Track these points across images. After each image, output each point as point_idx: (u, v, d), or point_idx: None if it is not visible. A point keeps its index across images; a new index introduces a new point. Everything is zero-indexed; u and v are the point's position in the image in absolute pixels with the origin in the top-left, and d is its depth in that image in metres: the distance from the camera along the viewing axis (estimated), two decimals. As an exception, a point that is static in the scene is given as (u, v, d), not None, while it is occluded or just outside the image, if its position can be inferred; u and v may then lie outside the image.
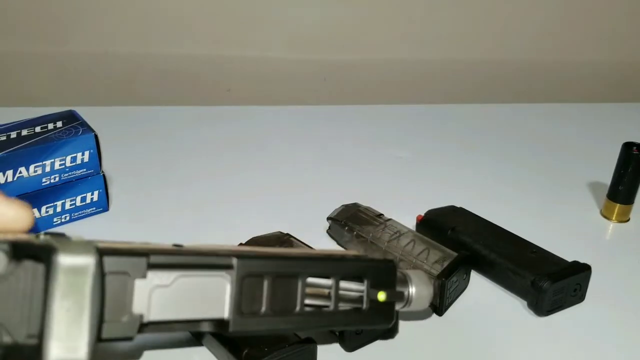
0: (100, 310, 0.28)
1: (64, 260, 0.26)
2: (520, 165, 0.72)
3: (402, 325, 0.46)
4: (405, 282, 0.40)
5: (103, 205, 0.59)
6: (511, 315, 0.49)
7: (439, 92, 0.96)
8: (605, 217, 0.62)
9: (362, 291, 0.36)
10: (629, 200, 0.60)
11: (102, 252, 0.28)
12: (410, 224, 0.56)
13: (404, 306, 0.41)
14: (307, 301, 0.35)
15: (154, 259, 0.30)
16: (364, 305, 0.36)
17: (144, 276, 0.29)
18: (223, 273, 0.32)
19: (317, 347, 0.41)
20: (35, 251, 0.27)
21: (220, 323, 0.32)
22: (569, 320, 0.48)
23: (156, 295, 0.30)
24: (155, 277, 0.30)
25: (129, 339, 0.29)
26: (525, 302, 0.49)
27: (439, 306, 0.47)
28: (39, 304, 0.26)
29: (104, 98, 0.90)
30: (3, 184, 0.52)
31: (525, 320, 0.48)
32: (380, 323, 0.38)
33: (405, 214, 0.56)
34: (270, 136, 0.77)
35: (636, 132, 0.79)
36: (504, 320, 0.48)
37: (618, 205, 0.61)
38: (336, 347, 0.44)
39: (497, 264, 0.51)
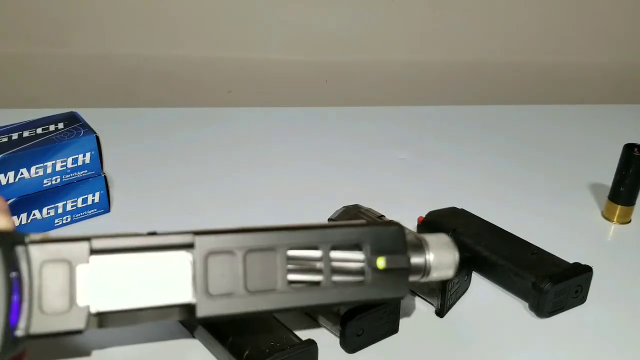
0: (35, 295, 0.25)
1: None
2: (521, 167, 0.72)
3: (403, 326, 0.46)
4: (421, 247, 0.35)
5: (104, 206, 0.59)
6: (512, 317, 0.48)
7: (440, 93, 0.96)
8: (606, 218, 0.62)
9: (362, 260, 0.32)
10: (630, 202, 0.60)
11: (33, 241, 0.26)
12: (412, 225, 0.56)
13: (422, 276, 0.35)
14: (294, 277, 0.31)
15: (96, 243, 0.27)
16: (366, 276, 0.32)
17: (85, 261, 0.27)
18: (182, 253, 0.29)
19: (318, 349, 0.41)
20: None
21: (187, 309, 0.29)
22: (570, 321, 0.48)
23: (104, 283, 0.27)
24: (100, 263, 0.27)
25: (78, 332, 0.27)
26: (526, 304, 0.49)
27: (440, 308, 0.47)
28: None
29: (106, 100, 0.90)
30: (4, 185, 0.52)
31: (526, 321, 0.48)
32: (390, 295, 0.33)
33: (406, 216, 0.56)
34: (271, 138, 0.77)
35: (637, 134, 0.79)
36: (505, 322, 0.48)
37: (619, 206, 0.60)
38: (337, 348, 0.44)
39: (498, 265, 0.51)
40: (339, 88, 0.94)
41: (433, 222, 0.55)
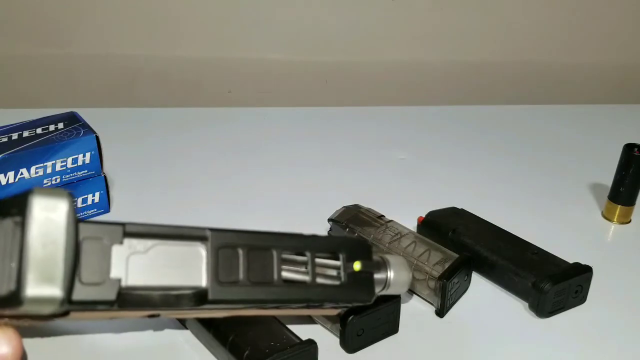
0: (77, 267, 0.29)
1: (39, 199, 0.27)
2: (521, 167, 0.72)
3: (403, 326, 0.46)
4: (384, 265, 0.41)
5: (104, 206, 0.59)
6: (512, 317, 0.49)
7: (440, 93, 0.96)
8: (606, 218, 0.62)
9: (339, 267, 0.38)
10: (630, 202, 0.60)
11: (80, 220, 0.29)
12: (412, 225, 0.56)
13: (382, 289, 0.41)
14: (285, 274, 0.36)
15: (129, 227, 0.31)
16: (342, 279, 0.37)
17: (120, 242, 0.31)
18: (198, 244, 0.33)
19: (318, 349, 0.41)
20: (13, 203, 0.28)
21: (199, 293, 0.33)
22: (570, 322, 0.48)
23: (133, 262, 0.31)
24: (132, 245, 0.31)
25: (109, 302, 0.30)
26: (526, 304, 0.49)
27: (440, 308, 0.47)
28: (17, 254, 0.27)
29: (106, 100, 0.90)
30: (4, 185, 0.52)
31: (526, 321, 0.48)
32: (360, 297, 0.38)
33: (406, 216, 0.56)
34: (271, 138, 0.77)
35: (637, 134, 0.79)
36: (505, 322, 0.48)
37: (619, 206, 0.60)
38: (337, 348, 0.44)
39: (498, 265, 0.51)
40: (339, 88, 0.94)
41: (433, 222, 0.55)
